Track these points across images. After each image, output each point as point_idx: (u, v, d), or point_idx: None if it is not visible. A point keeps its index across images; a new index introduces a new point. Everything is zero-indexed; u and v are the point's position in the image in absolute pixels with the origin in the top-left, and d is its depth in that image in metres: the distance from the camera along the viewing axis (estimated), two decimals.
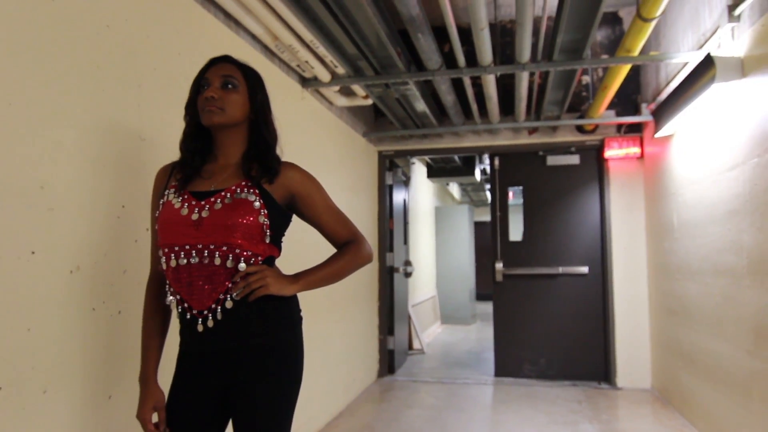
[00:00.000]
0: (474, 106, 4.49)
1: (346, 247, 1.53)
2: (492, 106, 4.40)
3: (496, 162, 5.42)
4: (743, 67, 2.81)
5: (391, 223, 5.66)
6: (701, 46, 3.31)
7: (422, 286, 8.01)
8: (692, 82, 3.14)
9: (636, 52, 3.28)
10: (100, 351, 1.79)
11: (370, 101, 4.17)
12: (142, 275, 1.92)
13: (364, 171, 5.04)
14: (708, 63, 2.90)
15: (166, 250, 1.41)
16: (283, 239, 1.54)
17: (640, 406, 4.29)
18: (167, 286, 1.44)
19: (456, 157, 7.22)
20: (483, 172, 8.59)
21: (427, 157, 7.38)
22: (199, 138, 1.47)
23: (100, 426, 1.77)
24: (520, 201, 5.42)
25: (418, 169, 7.89)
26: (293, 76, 3.44)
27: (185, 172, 1.45)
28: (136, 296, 1.91)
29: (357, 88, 3.98)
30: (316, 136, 3.83)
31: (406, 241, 6.37)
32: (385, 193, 5.50)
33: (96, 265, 1.77)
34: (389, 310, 5.47)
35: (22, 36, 1.52)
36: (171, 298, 1.43)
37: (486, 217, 10.07)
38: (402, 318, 5.99)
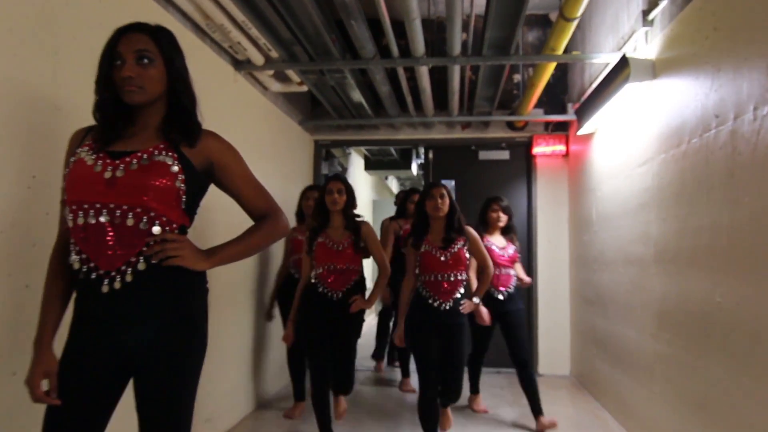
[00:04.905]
0: (409, 98, 4.57)
1: (263, 220, 1.53)
2: (426, 99, 4.49)
3: (431, 155, 5.54)
4: (655, 69, 3.00)
5: None
6: (620, 49, 3.51)
7: None
8: (609, 81, 3.33)
9: (560, 51, 3.44)
10: (5, 325, 1.73)
11: (305, 88, 4.16)
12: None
13: (299, 159, 5.03)
14: (623, 64, 3.08)
15: (74, 207, 1.35)
16: (198, 210, 1.53)
17: (558, 391, 4.51)
18: (72, 245, 1.39)
19: (393, 150, 7.31)
20: (420, 167, 8.73)
21: (364, 149, 7.43)
22: (117, 106, 1.42)
23: (2, 404, 1.71)
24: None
25: (356, 161, 7.93)
26: (225, 58, 3.40)
27: (106, 136, 1.40)
28: (45, 271, 1.85)
29: (292, 74, 3.97)
30: (249, 120, 3.79)
31: None
32: (320, 183, 5.50)
33: (2, 235, 1.70)
34: None
35: None
36: (75, 257, 1.37)
37: None
38: None
